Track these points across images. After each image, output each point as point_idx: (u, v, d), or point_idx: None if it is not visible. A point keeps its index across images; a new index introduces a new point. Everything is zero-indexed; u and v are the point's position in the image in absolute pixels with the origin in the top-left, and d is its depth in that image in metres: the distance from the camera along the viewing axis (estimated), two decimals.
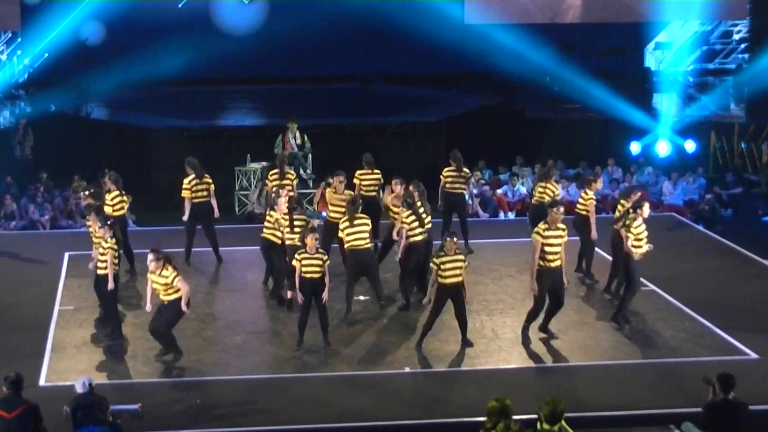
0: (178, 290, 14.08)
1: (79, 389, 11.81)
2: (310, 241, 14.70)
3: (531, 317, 15.10)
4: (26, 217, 22.18)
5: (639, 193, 16.44)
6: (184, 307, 14.11)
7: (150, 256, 14.12)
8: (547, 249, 14.73)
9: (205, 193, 18.52)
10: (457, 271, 14.49)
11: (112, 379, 13.85)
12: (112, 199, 17.61)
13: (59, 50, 28.27)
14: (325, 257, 14.84)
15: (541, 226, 14.82)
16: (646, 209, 15.72)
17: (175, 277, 14.04)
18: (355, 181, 18.41)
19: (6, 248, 20.01)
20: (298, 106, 27.94)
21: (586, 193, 17.38)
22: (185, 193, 18.42)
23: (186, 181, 18.50)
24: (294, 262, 14.85)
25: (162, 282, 14.08)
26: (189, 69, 28.13)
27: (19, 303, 16.93)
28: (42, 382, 13.79)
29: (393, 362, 14.55)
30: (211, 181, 18.69)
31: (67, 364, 14.43)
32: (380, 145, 25.79)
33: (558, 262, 14.82)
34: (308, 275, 14.65)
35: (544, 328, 15.25)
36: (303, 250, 14.75)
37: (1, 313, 16.48)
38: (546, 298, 14.99)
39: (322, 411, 13.01)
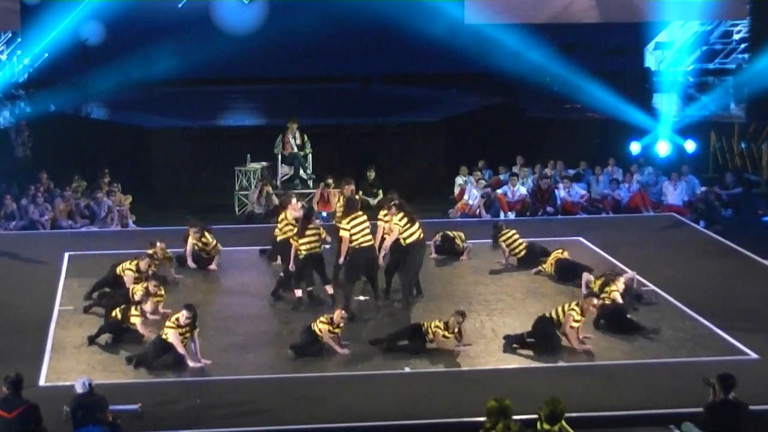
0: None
1: (79, 389, 11.81)
2: (338, 316, 14.77)
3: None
4: (26, 217, 22.18)
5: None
6: (190, 363, 14.26)
7: (186, 313, 14.23)
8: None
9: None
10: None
11: (112, 379, 13.84)
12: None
13: (59, 50, 28.26)
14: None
15: (577, 315, 14.73)
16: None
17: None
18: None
19: (6, 248, 20.02)
20: (298, 106, 27.94)
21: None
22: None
23: (203, 243, 18.62)
24: (317, 326, 14.81)
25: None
26: (189, 69, 28.13)
27: (19, 303, 16.93)
28: (42, 382, 13.78)
29: (393, 362, 14.55)
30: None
31: (67, 364, 14.43)
32: (380, 145, 25.84)
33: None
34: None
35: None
36: (329, 321, 14.76)
37: (1, 313, 16.48)
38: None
39: (322, 411, 13.01)
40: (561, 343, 14.76)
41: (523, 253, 18.71)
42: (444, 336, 14.72)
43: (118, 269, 16.97)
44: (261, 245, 19.33)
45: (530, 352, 14.74)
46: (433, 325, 14.77)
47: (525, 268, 18.55)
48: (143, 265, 16.92)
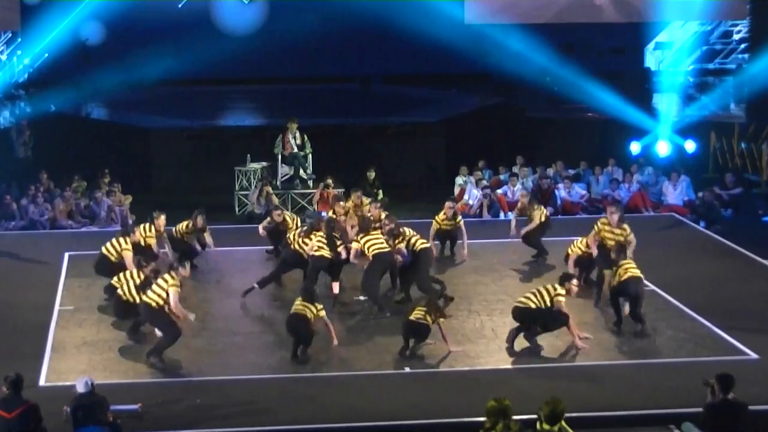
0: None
1: (81, 389, 11.79)
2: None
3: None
4: (26, 217, 22.19)
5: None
6: (190, 316, 14.44)
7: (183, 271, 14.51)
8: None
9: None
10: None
11: (112, 379, 13.85)
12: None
13: (59, 50, 28.24)
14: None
15: (563, 297, 14.84)
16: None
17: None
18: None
19: (6, 248, 20.03)
20: (298, 106, 27.95)
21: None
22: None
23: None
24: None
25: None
26: (189, 69, 28.13)
27: (19, 303, 16.94)
28: (42, 382, 13.80)
29: (393, 362, 14.56)
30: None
31: (67, 364, 14.44)
32: (380, 145, 25.85)
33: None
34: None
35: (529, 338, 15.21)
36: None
37: (1, 313, 16.49)
38: None
39: (321, 411, 13.01)
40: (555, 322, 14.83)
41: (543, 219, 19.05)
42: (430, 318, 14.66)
43: (112, 256, 17.03)
44: (261, 245, 19.34)
45: (530, 348, 14.79)
46: (416, 317, 14.66)
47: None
48: (138, 236, 17.23)
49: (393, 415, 12.84)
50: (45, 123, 25.92)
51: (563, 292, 14.83)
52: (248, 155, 24.32)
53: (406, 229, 17.22)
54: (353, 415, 12.87)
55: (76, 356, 14.75)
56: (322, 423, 12.73)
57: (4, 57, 28.72)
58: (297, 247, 17.10)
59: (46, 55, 28.69)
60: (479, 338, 15.35)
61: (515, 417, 10.56)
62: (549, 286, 14.94)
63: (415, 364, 14.49)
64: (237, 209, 23.64)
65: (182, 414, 12.91)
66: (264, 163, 24.11)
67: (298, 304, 14.70)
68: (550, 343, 15.03)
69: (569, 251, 17.65)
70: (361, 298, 16.89)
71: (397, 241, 16.90)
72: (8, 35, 28.82)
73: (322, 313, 14.75)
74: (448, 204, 19.17)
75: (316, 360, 14.57)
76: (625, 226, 17.25)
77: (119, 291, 15.68)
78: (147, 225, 17.87)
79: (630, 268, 15.62)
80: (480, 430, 10.55)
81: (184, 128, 26.39)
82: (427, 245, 17.07)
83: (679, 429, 12.13)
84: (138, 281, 15.51)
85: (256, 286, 17.05)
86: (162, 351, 14.29)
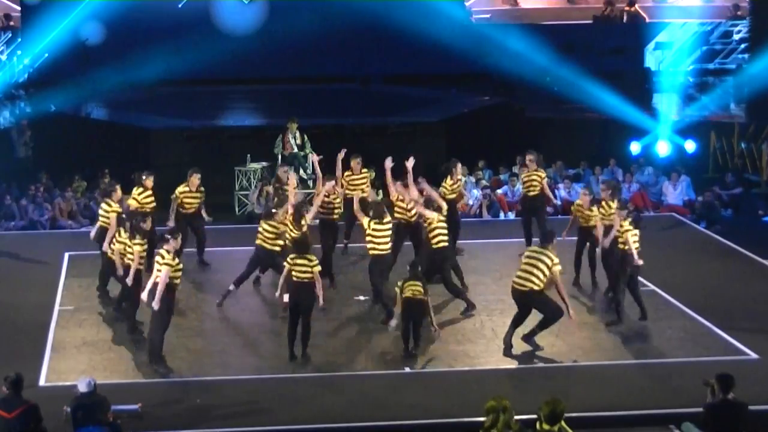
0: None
1: (83, 388, 11.78)
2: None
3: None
4: (26, 217, 22.19)
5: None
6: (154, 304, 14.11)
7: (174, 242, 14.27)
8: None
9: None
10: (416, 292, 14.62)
11: (112, 379, 13.85)
12: None
13: (59, 50, 28.22)
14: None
15: (559, 266, 14.64)
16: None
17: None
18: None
19: (6, 248, 20.03)
20: (298, 106, 27.92)
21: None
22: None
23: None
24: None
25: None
26: (189, 69, 28.10)
27: (19, 303, 16.95)
28: (42, 382, 13.81)
29: (393, 362, 14.55)
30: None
31: (67, 364, 14.45)
32: (380, 145, 25.80)
33: None
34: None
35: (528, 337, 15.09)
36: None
37: (1, 313, 16.49)
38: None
39: (321, 411, 13.02)
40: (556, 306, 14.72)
41: (535, 192, 18.83)
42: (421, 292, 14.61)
43: (107, 225, 16.97)
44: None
45: (528, 352, 14.78)
46: (413, 293, 14.57)
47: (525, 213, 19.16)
48: (120, 194, 17.45)
49: (393, 415, 12.85)
50: (45, 123, 25.91)
51: (558, 260, 14.59)
52: (248, 155, 24.31)
53: (443, 206, 16.74)
54: (353, 415, 12.88)
55: (76, 356, 14.75)
56: (322, 423, 12.74)
57: (4, 57, 28.70)
58: (260, 241, 16.72)
59: (46, 55, 28.65)
60: (479, 338, 15.36)
61: (515, 417, 10.56)
62: (544, 258, 14.54)
63: (415, 364, 14.49)
64: (237, 209, 23.64)
65: (182, 414, 12.92)
66: (264, 163, 24.11)
67: (296, 265, 14.46)
68: (550, 342, 15.03)
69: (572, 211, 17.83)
70: (361, 298, 16.89)
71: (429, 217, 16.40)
72: (8, 35, 28.81)
73: (318, 268, 14.60)
74: (460, 168, 18.95)
75: (315, 360, 14.58)
76: (594, 208, 17.24)
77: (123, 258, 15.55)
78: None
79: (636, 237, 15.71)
80: (480, 430, 10.56)
81: (184, 128, 26.37)
82: (446, 245, 16.48)
83: (679, 429, 12.14)
84: (126, 236, 15.42)
85: (232, 287, 16.87)
86: (159, 351, 14.20)
